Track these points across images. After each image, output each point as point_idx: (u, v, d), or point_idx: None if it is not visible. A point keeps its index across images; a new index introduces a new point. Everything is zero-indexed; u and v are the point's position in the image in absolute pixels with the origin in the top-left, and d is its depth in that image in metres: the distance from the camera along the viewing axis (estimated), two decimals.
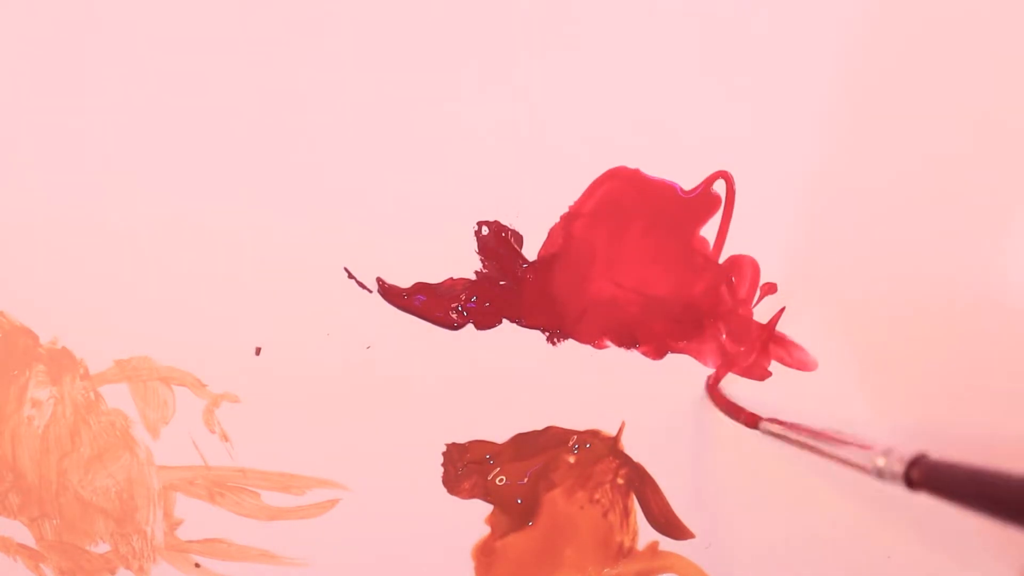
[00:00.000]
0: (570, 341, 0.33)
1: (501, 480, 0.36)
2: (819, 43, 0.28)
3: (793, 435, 0.27)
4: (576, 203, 0.31)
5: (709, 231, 0.31)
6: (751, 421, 0.30)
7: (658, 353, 0.33)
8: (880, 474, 0.21)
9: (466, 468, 0.36)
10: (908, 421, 0.33)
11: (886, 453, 0.21)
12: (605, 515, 0.36)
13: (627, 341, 0.33)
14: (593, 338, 0.33)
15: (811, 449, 0.26)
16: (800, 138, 0.30)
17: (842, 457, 0.24)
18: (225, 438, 0.37)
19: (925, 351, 0.32)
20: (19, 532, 0.41)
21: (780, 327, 0.32)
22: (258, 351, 0.35)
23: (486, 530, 0.37)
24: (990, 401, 0.31)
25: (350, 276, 0.33)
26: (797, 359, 0.32)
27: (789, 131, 0.30)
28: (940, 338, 0.31)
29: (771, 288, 0.32)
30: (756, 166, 0.30)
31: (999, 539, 0.34)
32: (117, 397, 0.37)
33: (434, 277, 0.33)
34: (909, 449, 0.21)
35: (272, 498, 0.38)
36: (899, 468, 0.21)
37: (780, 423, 0.28)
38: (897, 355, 0.32)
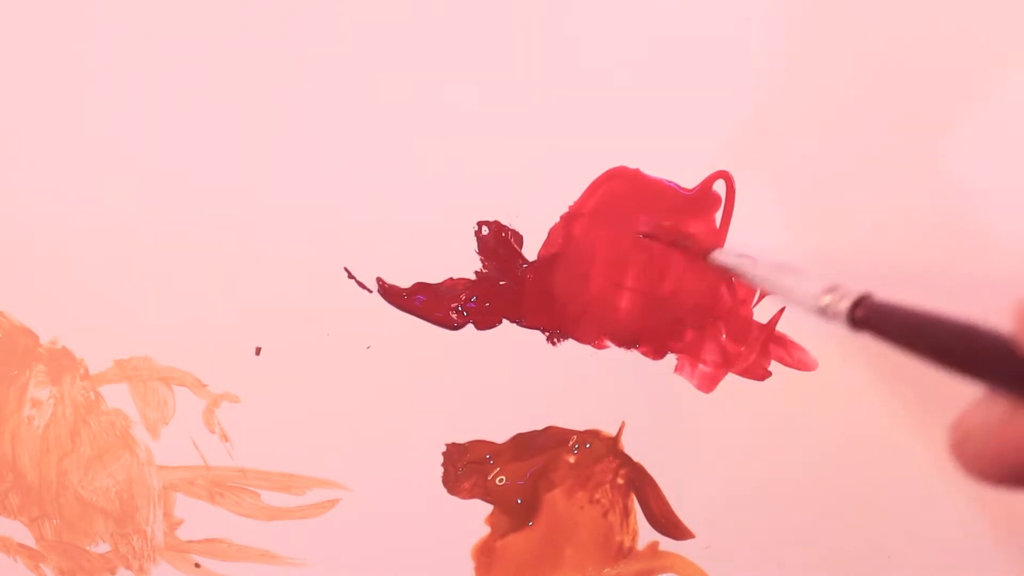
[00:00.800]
0: (570, 341, 0.33)
1: (501, 480, 0.36)
2: (820, 43, 0.28)
3: (744, 265, 0.26)
4: (576, 203, 0.31)
5: None
6: (703, 249, 0.29)
7: (658, 353, 0.33)
8: (824, 312, 0.20)
9: (466, 468, 0.36)
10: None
11: (831, 290, 0.20)
12: (605, 515, 0.36)
13: (627, 341, 0.33)
14: (593, 338, 0.33)
15: (758, 280, 0.25)
16: (801, 138, 0.30)
17: (788, 289, 0.23)
18: (225, 438, 0.37)
19: None
20: (19, 532, 0.41)
21: (780, 327, 0.32)
22: (258, 351, 0.35)
23: (486, 530, 0.37)
24: None
25: (350, 276, 0.33)
26: (797, 359, 0.32)
27: (789, 131, 0.30)
28: None
29: None
30: (756, 166, 0.30)
31: (999, 538, 0.34)
32: (117, 397, 0.37)
33: (434, 277, 0.33)
34: (855, 288, 0.20)
35: (272, 498, 0.38)
36: (844, 306, 0.20)
37: (733, 255, 0.28)
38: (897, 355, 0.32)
